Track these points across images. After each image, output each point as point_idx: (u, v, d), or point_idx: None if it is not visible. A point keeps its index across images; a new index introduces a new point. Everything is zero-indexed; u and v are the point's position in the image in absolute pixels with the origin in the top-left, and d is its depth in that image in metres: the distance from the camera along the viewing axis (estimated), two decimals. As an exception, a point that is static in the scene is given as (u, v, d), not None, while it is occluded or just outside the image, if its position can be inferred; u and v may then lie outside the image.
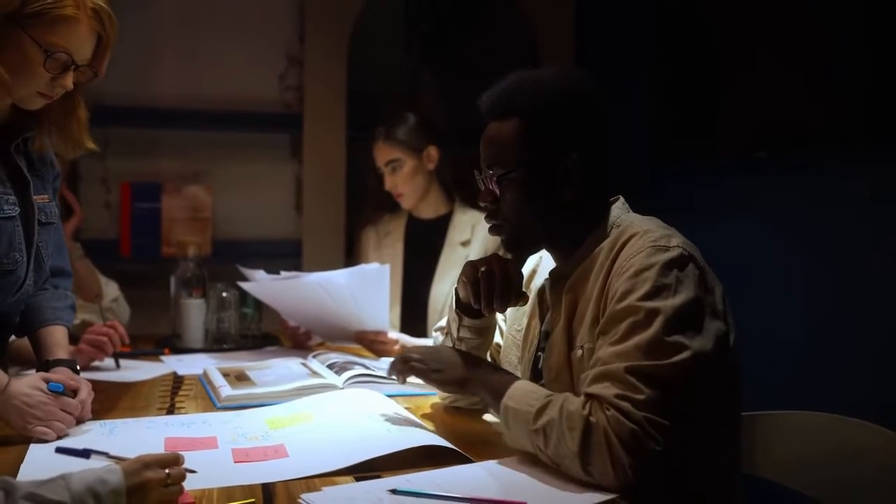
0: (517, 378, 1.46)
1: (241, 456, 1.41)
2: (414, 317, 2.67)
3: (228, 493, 1.23)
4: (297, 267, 3.28)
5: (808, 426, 1.65)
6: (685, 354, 1.29)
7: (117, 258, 3.13)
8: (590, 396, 1.31)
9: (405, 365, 1.56)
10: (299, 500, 1.19)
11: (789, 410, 1.69)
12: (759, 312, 1.76)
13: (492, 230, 1.57)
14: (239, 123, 3.27)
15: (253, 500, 1.20)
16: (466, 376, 1.49)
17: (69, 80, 1.57)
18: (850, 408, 1.60)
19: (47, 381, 1.54)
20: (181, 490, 1.18)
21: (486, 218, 1.57)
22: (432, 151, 2.63)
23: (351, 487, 1.26)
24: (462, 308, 1.66)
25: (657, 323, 1.31)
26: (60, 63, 1.54)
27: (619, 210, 1.57)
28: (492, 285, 1.55)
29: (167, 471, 1.16)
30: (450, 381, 1.52)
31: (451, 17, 3.60)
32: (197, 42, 3.23)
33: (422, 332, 2.60)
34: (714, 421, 1.41)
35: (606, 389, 1.29)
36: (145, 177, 3.18)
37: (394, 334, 2.41)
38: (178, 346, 2.45)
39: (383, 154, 2.62)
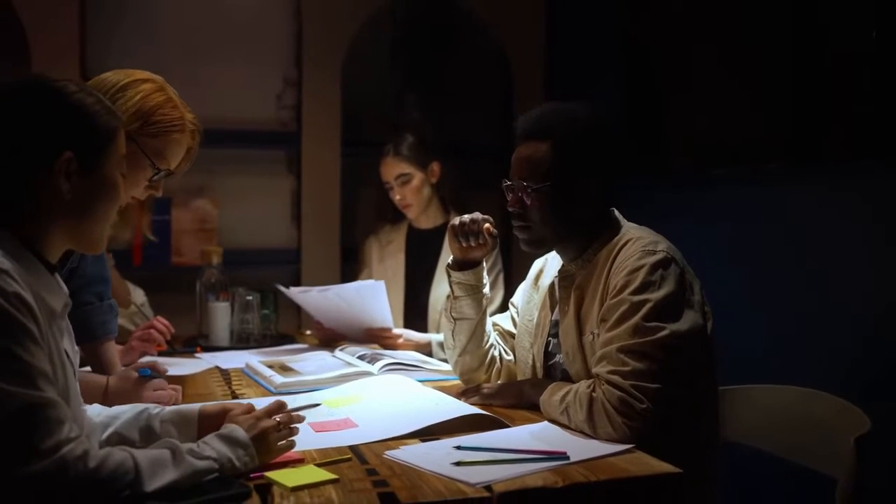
0: (551, 382, 1.82)
1: (319, 427, 1.69)
2: (416, 317, 2.98)
3: (324, 453, 1.52)
4: (297, 273, 3.56)
5: (772, 397, 2.00)
6: (663, 333, 1.65)
7: (129, 267, 3.35)
8: (594, 376, 1.69)
9: (479, 392, 1.93)
10: (384, 455, 1.49)
11: (755, 385, 2.04)
12: (725, 309, 2.08)
13: (517, 230, 1.90)
14: (240, 141, 3.53)
15: (350, 456, 1.49)
16: (521, 390, 1.88)
17: (161, 189, 1.85)
18: (806, 382, 1.96)
19: (136, 370, 1.83)
20: (295, 431, 1.46)
21: (512, 220, 1.89)
22: (435, 167, 2.95)
23: (422, 446, 1.55)
24: (450, 264, 2.05)
25: (643, 311, 1.67)
26: (162, 176, 1.82)
27: (618, 219, 1.91)
28: (465, 229, 1.98)
29: (277, 418, 1.44)
30: (509, 396, 1.90)
31: (432, 43, 3.92)
32: (201, 66, 3.47)
33: (423, 329, 2.91)
34: (695, 391, 1.76)
35: (603, 368, 1.67)
36: (154, 191, 3.40)
37: (398, 330, 2.70)
38: (206, 345, 2.71)
39: (393, 169, 2.93)
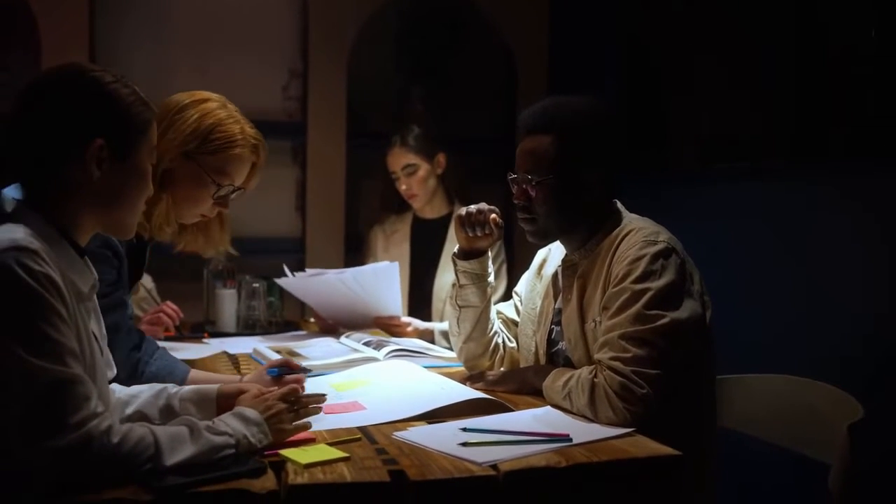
0: (554, 368, 1.87)
1: (328, 409, 1.73)
2: (420, 305, 3.03)
3: (334, 433, 1.56)
4: (301, 262, 3.60)
5: (767, 386, 2.05)
6: (664, 320, 1.70)
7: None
8: (596, 362, 1.74)
9: (483, 378, 1.98)
10: (393, 436, 1.54)
11: (750, 374, 2.09)
12: (724, 301, 2.13)
13: (522, 222, 1.94)
14: (245, 131, 3.57)
15: (359, 436, 1.53)
16: (525, 376, 1.93)
17: (227, 204, 1.88)
18: (801, 371, 2.01)
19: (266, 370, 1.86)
20: (311, 412, 1.52)
21: (518, 212, 1.93)
22: (441, 158, 3.00)
23: (429, 428, 1.60)
24: (456, 253, 2.09)
25: (644, 299, 1.72)
26: (226, 192, 1.85)
27: (620, 211, 1.96)
28: (471, 219, 2.02)
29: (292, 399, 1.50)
30: (512, 382, 1.95)
31: (437, 38, 3.96)
32: (207, 58, 3.52)
33: (427, 317, 2.97)
34: (694, 377, 1.81)
35: (604, 354, 1.72)
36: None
37: (406, 319, 2.75)
38: (213, 331, 2.76)
39: (400, 159, 2.98)
